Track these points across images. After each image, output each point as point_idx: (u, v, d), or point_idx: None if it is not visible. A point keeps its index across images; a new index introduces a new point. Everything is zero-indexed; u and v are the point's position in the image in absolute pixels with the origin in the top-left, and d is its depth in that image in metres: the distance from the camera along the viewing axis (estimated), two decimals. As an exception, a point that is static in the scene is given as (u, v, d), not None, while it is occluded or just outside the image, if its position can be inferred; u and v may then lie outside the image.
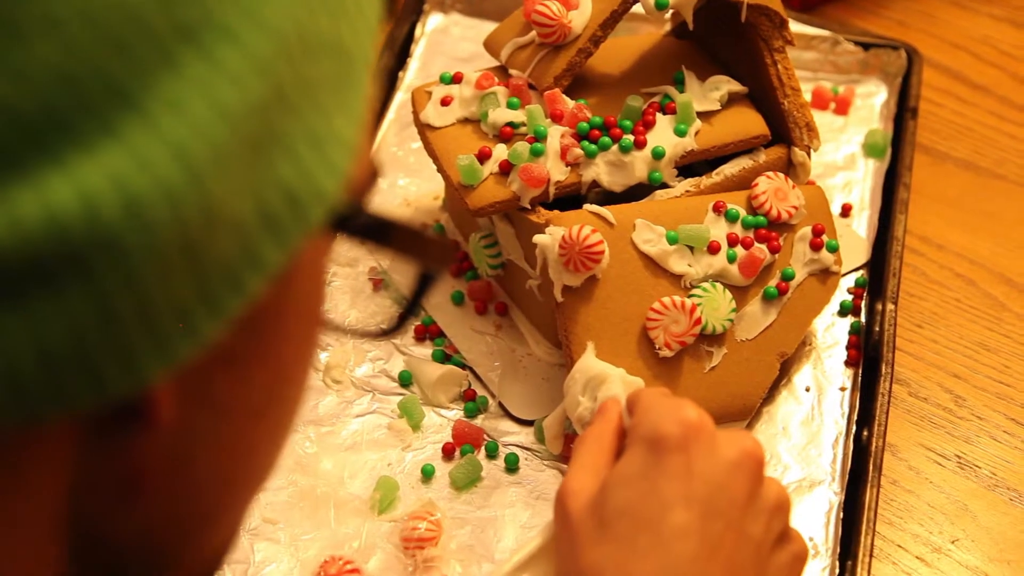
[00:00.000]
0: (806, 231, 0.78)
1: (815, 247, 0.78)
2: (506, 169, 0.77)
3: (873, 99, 0.96)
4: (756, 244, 0.76)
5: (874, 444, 0.74)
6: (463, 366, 0.81)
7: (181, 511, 0.39)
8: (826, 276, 0.78)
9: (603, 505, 0.55)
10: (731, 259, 0.76)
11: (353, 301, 0.85)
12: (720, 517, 0.54)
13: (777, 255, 0.77)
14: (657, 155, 0.77)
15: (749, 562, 0.55)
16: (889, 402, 0.76)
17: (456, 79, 0.81)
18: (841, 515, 0.74)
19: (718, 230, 0.76)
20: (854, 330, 0.82)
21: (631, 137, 0.77)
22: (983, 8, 1.05)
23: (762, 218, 0.77)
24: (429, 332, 0.83)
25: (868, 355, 0.80)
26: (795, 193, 0.78)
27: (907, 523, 0.75)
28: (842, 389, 0.80)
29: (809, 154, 0.81)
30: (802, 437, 0.77)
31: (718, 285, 0.75)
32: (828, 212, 0.80)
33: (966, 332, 0.84)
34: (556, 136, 0.77)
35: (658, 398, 0.59)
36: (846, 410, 0.79)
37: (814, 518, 0.74)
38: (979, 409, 0.80)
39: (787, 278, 0.77)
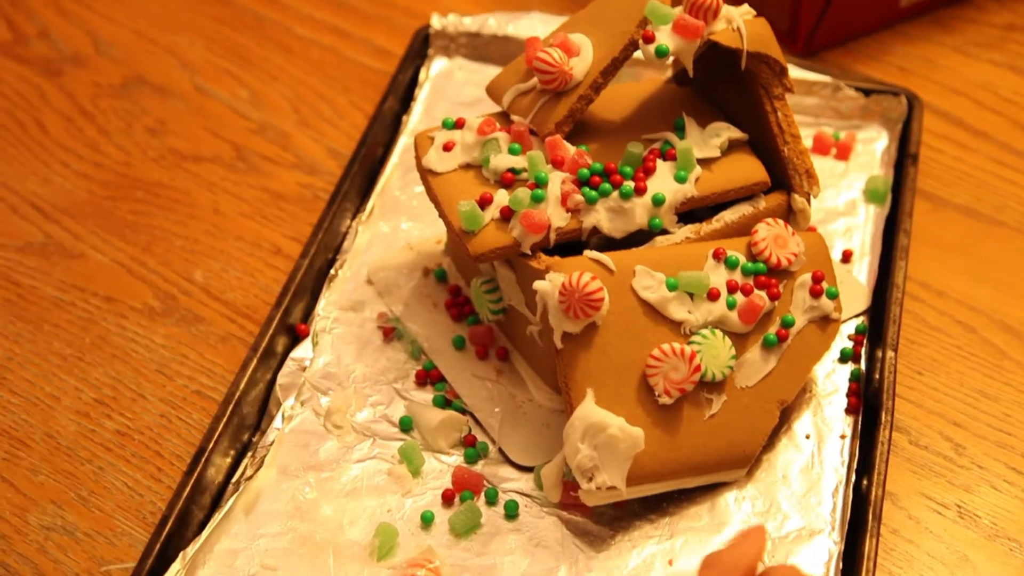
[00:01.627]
0: (806, 278, 0.78)
1: (815, 294, 0.78)
2: (507, 215, 0.77)
3: (874, 145, 0.97)
4: (756, 291, 0.76)
5: (874, 493, 0.74)
6: (463, 411, 0.81)
7: None
8: (826, 323, 0.78)
9: None
10: (731, 306, 0.76)
11: (359, 353, 0.85)
12: None
13: (777, 302, 0.77)
14: (657, 202, 0.77)
15: None
16: (889, 450, 0.76)
17: (458, 124, 0.82)
18: (841, 565, 0.73)
19: (718, 277, 0.76)
20: (854, 377, 0.82)
21: (631, 183, 0.77)
22: (983, 54, 1.06)
23: (762, 265, 0.77)
24: (430, 377, 0.83)
25: (868, 402, 0.80)
26: (795, 240, 0.78)
27: (907, 573, 0.75)
28: (842, 437, 0.79)
29: (809, 201, 0.81)
30: (802, 485, 0.77)
31: (718, 332, 0.75)
32: (828, 259, 0.80)
33: (966, 380, 0.84)
34: (557, 182, 0.77)
35: None
36: (846, 458, 0.78)
37: (814, 567, 0.73)
38: (979, 458, 0.80)
39: (787, 325, 0.77)
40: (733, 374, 0.76)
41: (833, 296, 0.78)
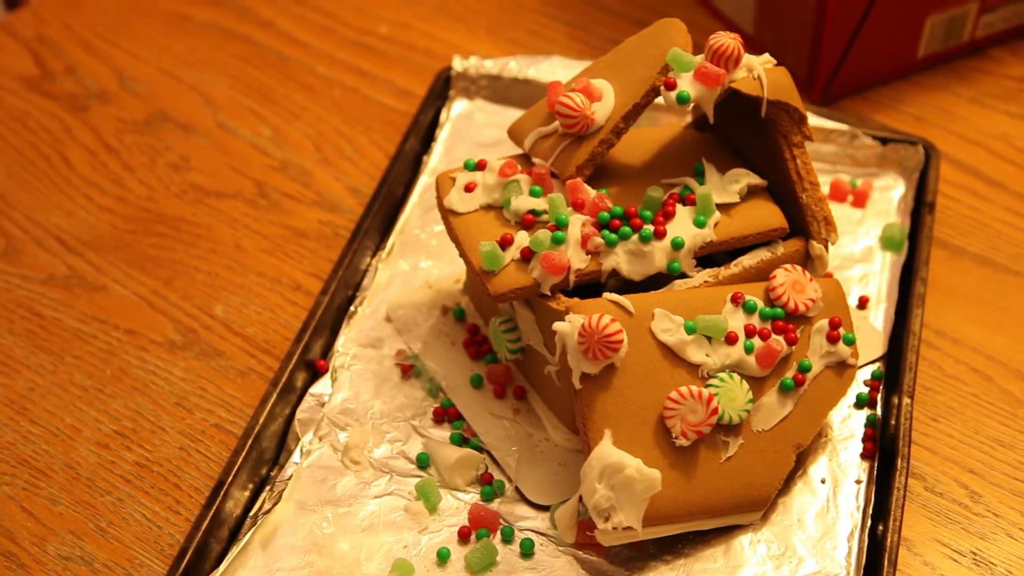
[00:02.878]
0: (823, 323, 0.79)
1: (832, 340, 0.78)
2: (527, 256, 0.78)
3: (891, 193, 0.98)
4: (773, 336, 0.77)
5: (889, 539, 0.74)
6: (480, 449, 0.82)
7: None
8: (843, 368, 0.79)
9: None
10: (748, 350, 0.76)
11: (378, 389, 0.86)
12: None
13: (794, 347, 0.78)
14: (676, 245, 0.78)
15: None
16: (905, 496, 0.76)
17: (480, 166, 0.83)
18: (856, 609, 0.74)
19: (736, 321, 0.77)
20: (870, 423, 0.83)
21: (651, 227, 0.78)
22: (1000, 106, 1.07)
23: (779, 310, 0.78)
24: (447, 415, 0.84)
25: (884, 448, 0.81)
26: (812, 286, 0.78)
27: (922, 619, 0.75)
28: (858, 482, 0.80)
29: (827, 247, 0.82)
30: (817, 529, 0.77)
31: (735, 376, 0.76)
32: (845, 305, 0.80)
33: (982, 427, 0.84)
34: (577, 225, 0.78)
35: None
36: (862, 503, 0.79)
37: (829, 612, 0.74)
38: (995, 506, 0.80)
39: (804, 370, 0.78)
40: (750, 418, 0.76)
41: (850, 342, 0.79)
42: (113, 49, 1.15)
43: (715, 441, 0.75)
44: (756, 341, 0.77)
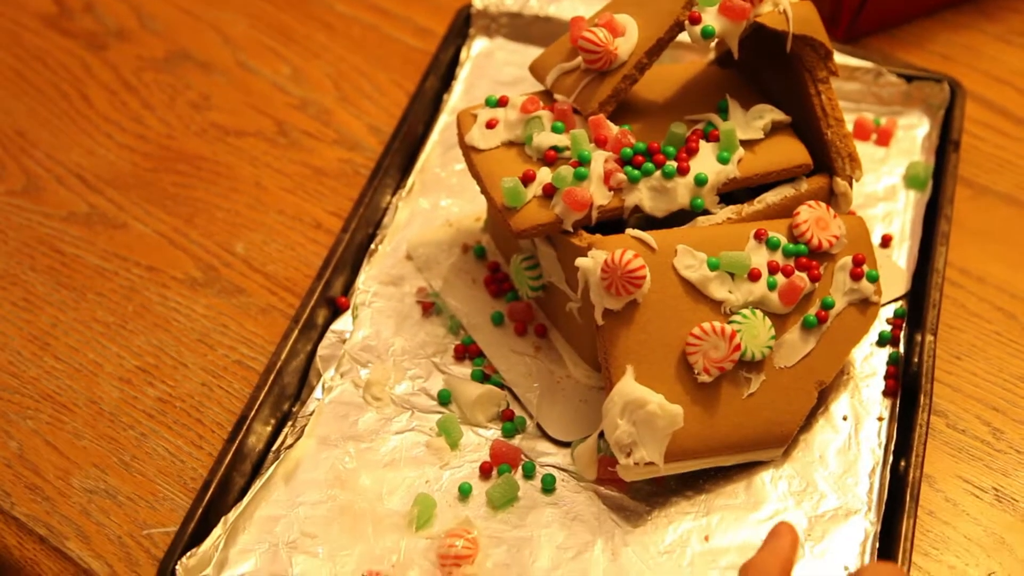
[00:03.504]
0: (846, 261, 0.78)
1: (855, 277, 0.78)
2: (550, 192, 0.77)
3: (915, 131, 0.97)
4: (796, 272, 0.77)
5: (911, 475, 0.74)
6: (502, 386, 0.82)
7: None
8: (866, 306, 0.79)
9: None
10: (771, 287, 0.76)
11: (399, 327, 0.86)
12: None
13: (817, 284, 0.77)
14: (700, 182, 0.78)
15: None
16: (927, 433, 0.76)
17: (502, 102, 0.82)
18: (877, 545, 0.74)
19: (759, 257, 0.76)
20: (892, 360, 0.82)
21: (674, 163, 0.78)
22: (1027, 43, 1.06)
23: (803, 247, 0.77)
24: (468, 352, 0.84)
25: (906, 386, 0.81)
26: (836, 223, 0.78)
27: (943, 555, 0.75)
28: (879, 419, 0.80)
29: (851, 184, 0.81)
30: (839, 466, 0.77)
31: (758, 312, 0.76)
32: (869, 242, 0.80)
33: (1005, 365, 0.84)
34: (600, 161, 0.78)
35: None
36: (883, 440, 0.79)
37: (849, 547, 0.74)
38: (1017, 442, 0.80)
39: (827, 307, 0.77)
40: (772, 354, 0.76)
41: (873, 279, 0.78)
42: (131, -13, 1.15)
43: (737, 377, 0.75)
44: (779, 278, 0.76)
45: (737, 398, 0.75)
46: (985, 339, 0.85)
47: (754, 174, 0.80)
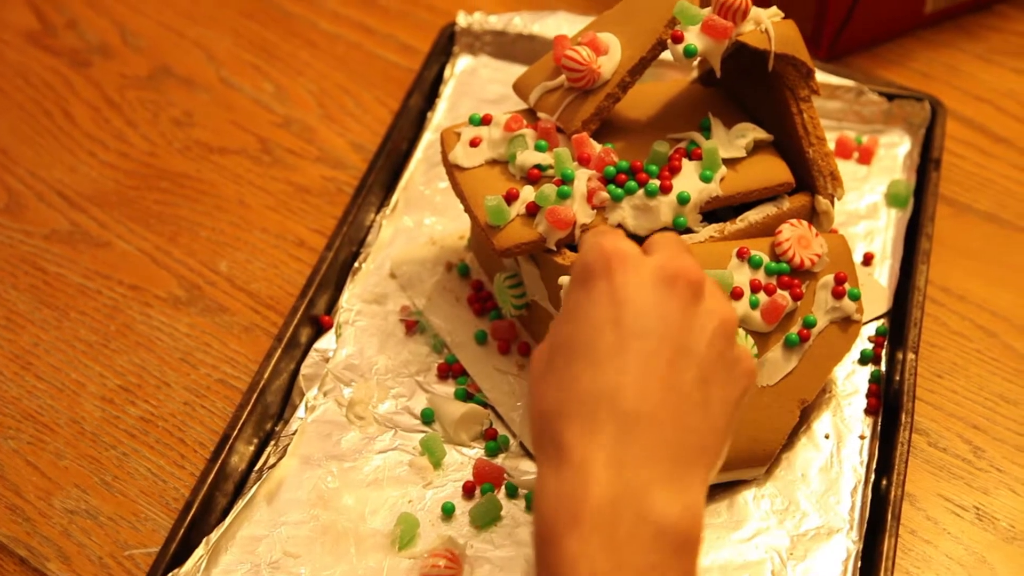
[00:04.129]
0: (828, 279, 0.78)
1: (837, 295, 0.78)
2: (533, 211, 0.78)
3: (896, 149, 0.97)
4: (779, 291, 0.77)
5: (893, 493, 0.75)
6: (485, 405, 0.82)
7: None
8: (847, 324, 0.79)
9: (549, 346, 0.59)
10: (754, 305, 0.76)
11: (382, 345, 0.85)
12: (651, 335, 0.57)
13: (799, 302, 0.77)
14: (682, 200, 0.78)
15: (691, 376, 0.57)
16: (908, 451, 0.77)
17: (485, 121, 0.82)
18: (859, 564, 0.74)
19: (741, 276, 0.77)
20: (874, 379, 0.83)
21: (657, 182, 0.78)
22: (1007, 62, 1.06)
23: (785, 265, 0.77)
24: (452, 371, 0.84)
25: (888, 404, 0.81)
26: (818, 241, 0.78)
27: (925, 573, 0.75)
28: (861, 437, 0.80)
29: (833, 202, 0.81)
30: (821, 484, 0.78)
31: (740, 331, 0.76)
32: (850, 260, 0.80)
33: (986, 383, 0.84)
34: (583, 179, 0.78)
35: (589, 236, 0.62)
36: (865, 458, 0.79)
37: (832, 566, 0.74)
38: (998, 461, 0.80)
39: (809, 325, 0.78)
40: None
41: (855, 297, 0.79)
42: (115, 3, 1.14)
43: None
44: (761, 296, 0.76)
45: (720, 417, 0.75)
46: (966, 357, 0.86)
47: (736, 192, 0.80)
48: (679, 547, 0.54)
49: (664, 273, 0.58)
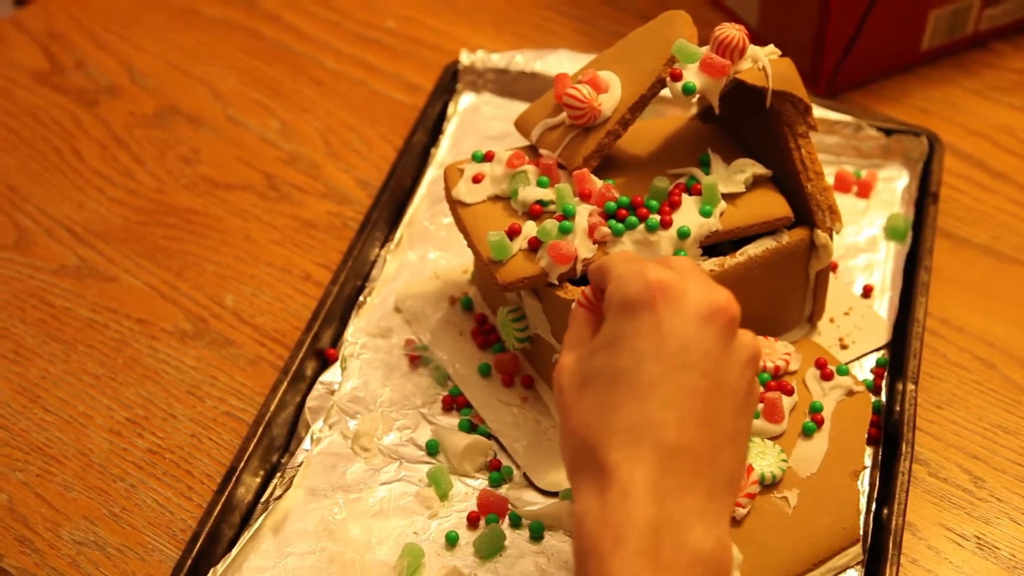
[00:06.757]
0: (812, 371, 0.81)
1: (828, 378, 0.81)
2: (535, 246, 0.79)
3: (895, 183, 0.98)
4: (768, 394, 0.79)
5: (894, 522, 0.75)
6: (489, 436, 0.83)
7: None
8: (854, 394, 0.80)
9: (585, 369, 0.60)
10: (756, 416, 0.78)
11: (387, 378, 0.86)
12: (693, 369, 0.59)
13: (796, 396, 0.80)
14: (683, 235, 0.79)
15: (726, 410, 0.60)
16: (909, 481, 0.77)
17: (488, 157, 0.84)
18: (861, 593, 0.74)
19: None
20: (875, 409, 0.83)
21: (657, 217, 0.79)
22: (1004, 98, 1.07)
23: (765, 375, 0.80)
24: (456, 403, 0.85)
25: (888, 434, 0.82)
26: (778, 345, 0.82)
27: (926, 603, 0.76)
28: (863, 467, 0.81)
29: (832, 236, 0.82)
30: (822, 514, 0.78)
31: (755, 439, 0.77)
32: (822, 352, 0.82)
33: (985, 414, 0.85)
34: (584, 214, 0.79)
35: (624, 264, 0.63)
36: (866, 488, 0.79)
37: (834, 595, 0.74)
38: (998, 491, 0.81)
39: (817, 410, 0.79)
40: (792, 469, 0.77)
41: (845, 372, 0.81)
42: (122, 43, 1.16)
43: (772, 501, 0.75)
44: (759, 405, 0.78)
45: (784, 519, 0.75)
46: (966, 388, 0.87)
47: (736, 227, 0.81)
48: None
49: (707, 308, 0.60)
